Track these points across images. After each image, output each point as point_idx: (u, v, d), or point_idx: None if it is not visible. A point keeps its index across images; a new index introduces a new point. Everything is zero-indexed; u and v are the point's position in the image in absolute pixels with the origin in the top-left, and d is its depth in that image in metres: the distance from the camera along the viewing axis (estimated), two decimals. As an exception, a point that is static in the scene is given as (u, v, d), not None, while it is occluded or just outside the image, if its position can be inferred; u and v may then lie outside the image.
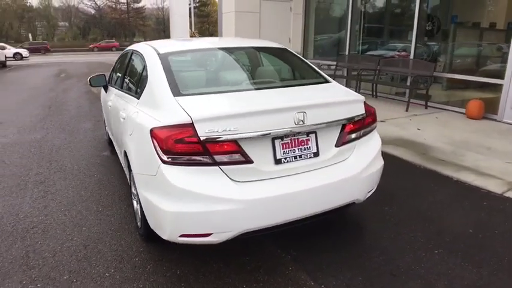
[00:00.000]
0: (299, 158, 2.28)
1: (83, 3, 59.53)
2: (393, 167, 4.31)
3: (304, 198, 2.24)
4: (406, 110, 6.72)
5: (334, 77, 9.19)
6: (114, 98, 3.66)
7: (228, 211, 2.05)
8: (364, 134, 2.57)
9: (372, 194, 2.74)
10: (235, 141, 2.07)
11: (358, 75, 8.00)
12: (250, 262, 2.55)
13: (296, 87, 2.85)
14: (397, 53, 8.54)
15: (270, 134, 2.14)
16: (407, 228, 2.96)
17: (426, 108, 6.96)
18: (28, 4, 56.82)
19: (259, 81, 2.88)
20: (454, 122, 6.00)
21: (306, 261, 2.55)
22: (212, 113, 2.12)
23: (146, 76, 2.71)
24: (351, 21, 9.21)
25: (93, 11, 59.72)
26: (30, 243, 2.82)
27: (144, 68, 2.82)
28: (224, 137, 2.03)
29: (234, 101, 2.37)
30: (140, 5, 61.19)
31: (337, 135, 2.42)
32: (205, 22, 50.34)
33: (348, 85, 9.30)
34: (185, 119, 2.04)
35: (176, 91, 2.35)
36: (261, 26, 10.01)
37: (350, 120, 2.44)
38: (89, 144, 5.33)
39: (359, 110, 2.51)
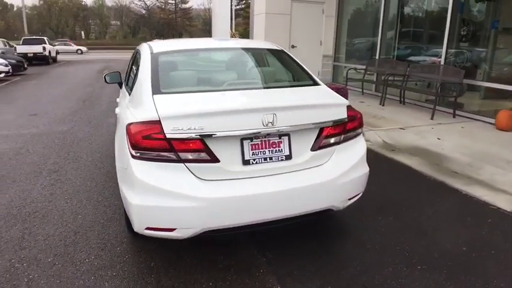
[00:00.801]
0: (269, 160, 2.26)
1: (134, 3, 62.47)
2: (401, 176, 4.15)
3: (272, 200, 2.22)
4: (431, 118, 6.40)
5: (363, 81, 8.96)
6: (121, 94, 3.83)
7: (190, 208, 2.08)
8: (346, 139, 2.49)
9: (355, 202, 2.65)
10: (201, 140, 2.10)
11: (384, 81, 7.72)
12: (223, 261, 2.57)
13: (277, 88, 2.82)
14: (437, 58, 8.13)
15: (236, 134, 2.15)
16: (396, 240, 2.83)
17: (454, 117, 6.58)
18: (83, 3, 60.69)
19: (242, 81, 2.88)
20: (479, 133, 5.63)
21: (279, 265, 2.53)
22: (178, 111, 2.17)
23: (138, 74, 2.81)
24: (383, 25, 8.93)
25: (143, 11, 62.43)
26: (29, 226, 3.02)
27: (139, 66, 2.93)
28: (189, 135, 2.07)
29: (208, 100, 2.40)
30: (187, 5, 63.17)
31: (314, 139, 2.36)
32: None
33: (376, 90, 9.02)
34: (153, 116, 2.10)
35: (156, 89, 2.42)
36: (292, 28, 9.95)
37: (328, 124, 2.38)
38: (108, 138, 5.59)
39: (340, 114, 2.44)
